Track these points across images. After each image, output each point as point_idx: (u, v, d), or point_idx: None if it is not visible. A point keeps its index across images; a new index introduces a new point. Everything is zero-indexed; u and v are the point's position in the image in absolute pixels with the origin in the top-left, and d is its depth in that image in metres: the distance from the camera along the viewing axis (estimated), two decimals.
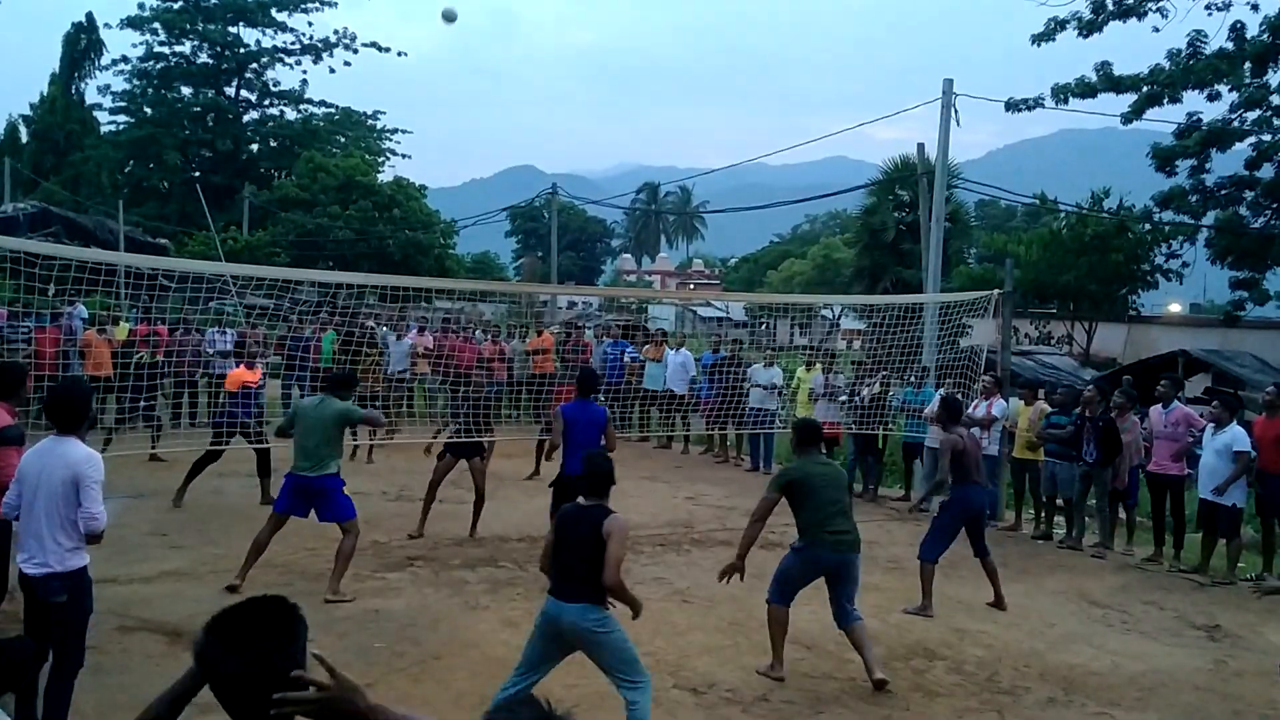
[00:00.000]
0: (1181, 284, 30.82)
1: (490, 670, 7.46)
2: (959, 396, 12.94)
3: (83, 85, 59.57)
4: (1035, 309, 31.56)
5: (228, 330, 17.69)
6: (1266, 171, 26.53)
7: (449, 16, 14.23)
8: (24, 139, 59.41)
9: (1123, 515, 13.06)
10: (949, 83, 17.99)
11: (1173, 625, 9.56)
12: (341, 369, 12.24)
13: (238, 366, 13.31)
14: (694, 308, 53.57)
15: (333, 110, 58.96)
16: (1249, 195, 27.23)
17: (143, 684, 6.94)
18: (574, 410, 9.97)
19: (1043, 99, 24.90)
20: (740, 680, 7.53)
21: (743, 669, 7.77)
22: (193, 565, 9.83)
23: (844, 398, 15.76)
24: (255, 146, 59.18)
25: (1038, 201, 29.92)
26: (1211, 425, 11.27)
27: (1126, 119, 26.03)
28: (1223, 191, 27.23)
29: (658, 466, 16.92)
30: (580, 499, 6.19)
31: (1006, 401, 13.75)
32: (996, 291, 14.89)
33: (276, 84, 58.55)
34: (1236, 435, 10.95)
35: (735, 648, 8.26)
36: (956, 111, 17.80)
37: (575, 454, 9.76)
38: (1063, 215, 31.92)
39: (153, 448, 14.41)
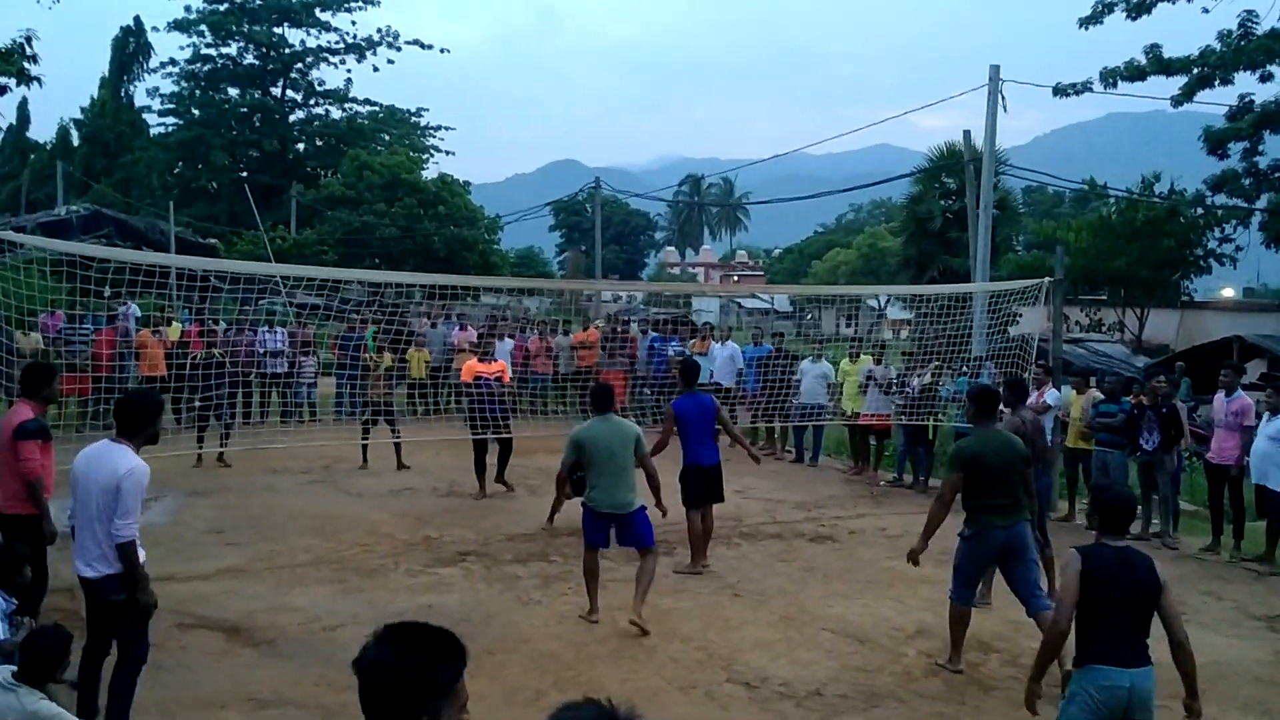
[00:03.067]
0: (1235, 268, 30.32)
1: (543, 665, 7.52)
2: (1022, 376, 12.84)
3: (131, 88, 60.54)
4: (1086, 296, 31.20)
5: (278, 329, 17.89)
6: None
7: None
8: (75, 142, 60.47)
9: (1186, 506, 12.85)
10: (995, 69, 17.76)
11: (1232, 616, 9.41)
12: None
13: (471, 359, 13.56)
14: (739, 300, 53.48)
15: (377, 109, 59.40)
16: None
17: (202, 681, 7.08)
18: (685, 404, 10.17)
19: (1091, 83, 24.54)
20: (792, 674, 7.50)
21: (795, 663, 7.74)
22: (249, 563, 9.95)
23: (895, 388, 15.63)
24: (301, 146, 59.75)
25: (1087, 187, 29.51)
26: (1267, 411, 11.07)
27: (1177, 102, 25.60)
28: (1276, 174, 26.71)
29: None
30: (1106, 539, 5.12)
31: (1059, 390, 13.59)
32: (1047, 280, 14.71)
33: (321, 83, 59.11)
34: None
35: (787, 642, 8.23)
36: (1004, 97, 17.57)
37: (696, 445, 10.10)
38: (1112, 200, 31.49)
39: (222, 445, 14.52)
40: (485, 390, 12.84)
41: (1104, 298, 31.75)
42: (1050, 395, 13.17)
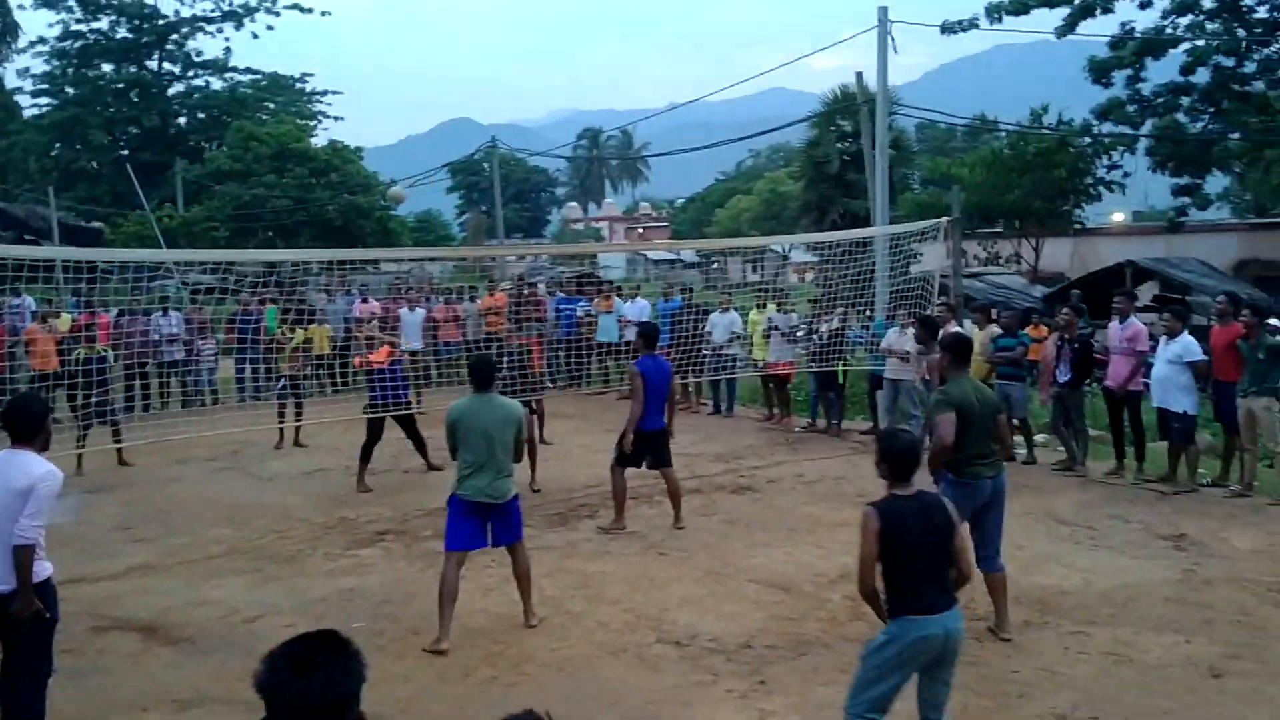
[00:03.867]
0: (1125, 194, 31.11)
1: (471, 640, 7.45)
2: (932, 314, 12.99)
3: (1, 70, 57.90)
4: (982, 230, 31.73)
5: (173, 313, 17.37)
6: (1201, 76, 26.73)
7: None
8: None
9: (1093, 431, 13.18)
10: (884, 10, 17.86)
11: (1139, 538, 9.70)
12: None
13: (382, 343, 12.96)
14: (644, 253, 53.41)
15: (259, 77, 57.67)
16: (1185, 101, 27.46)
17: (122, 683, 6.88)
18: (648, 365, 10.10)
19: (977, 19, 24.87)
20: (721, 629, 7.54)
21: (723, 617, 7.79)
22: (160, 558, 9.68)
23: (801, 334, 15.77)
24: (183, 120, 57.83)
25: (978, 122, 29.96)
26: (1164, 335, 11.38)
27: (1060, 33, 26.08)
28: (1159, 100, 27.45)
29: (620, 419, 16.83)
30: (896, 490, 5.13)
31: (962, 326, 13.82)
32: (945, 219, 14.91)
33: (199, 54, 57.24)
34: (1188, 345, 11.08)
35: (713, 596, 8.28)
36: (893, 39, 17.69)
37: (652, 409, 10.01)
38: (1003, 134, 32.01)
39: (117, 445, 13.97)
40: (397, 373, 12.44)
41: (1000, 230, 32.32)
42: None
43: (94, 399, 12.90)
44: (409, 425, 12.79)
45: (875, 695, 5.04)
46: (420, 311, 17.94)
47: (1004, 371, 12.88)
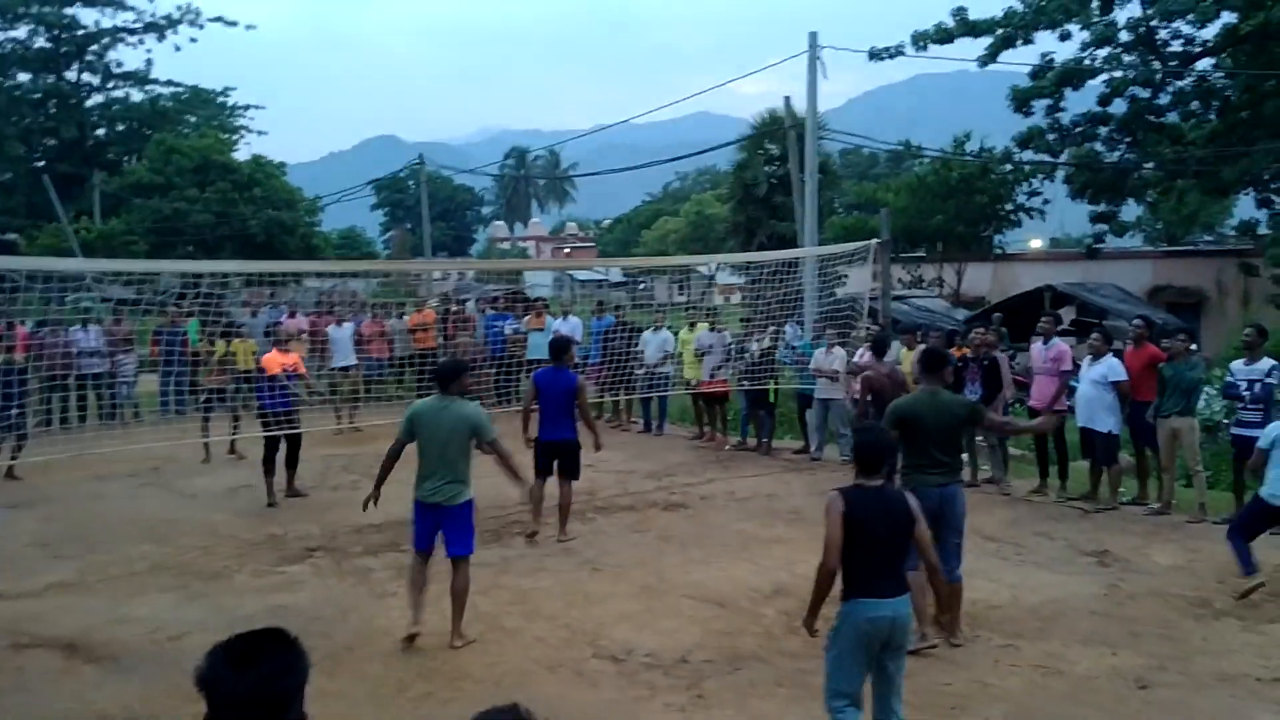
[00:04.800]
0: (1044, 220, 31.89)
1: (405, 657, 7.36)
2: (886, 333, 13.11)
3: None
4: (906, 254, 32.30)
5: (90, 327, 16.96)
6: (1119, 107, 27.52)
7: None
8: None
9: (1016, 450, 13.45)
10: (814, 35, 18.14)
11: (1064, 554, 9.90)
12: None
13: (271, 350, 12.51)
14: (571, 272, 53.41)
15: (180, 89, 56.66)
16: (1103, 131, 28.25)
17: (45, 703, 6.69)
18: (546, 377, 10.26)
19: (903, 47, 25.36)
20: (658, 644, 7.54)
21: (659, 633, 7.79)
22: (80, 575, 9.42)
23: (733, 354, 15.88)
24: (102, 131, 56.57)
25: (903, 148, 30.54)
26: (1089, 356, 11.65)
27: (983, 62, 26.71)
28: (1078, 129, 28.20)
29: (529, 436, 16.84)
30: (862, 479, 5.39)
31: (892, 347, 14.03)
32: (874, 241, 15.15)
33: (120, 65, 55.98)
34: (1112, 365, 11.35)
35: (650, 612, 8.27)
36: (822, 64, 17.96)
37: (548, 420, 10.14)
38: (927, 160, 32.65)
39: (13, 458, 13.66)
40: (289, 384, 12.25)
41: (923, 254, 32.92)
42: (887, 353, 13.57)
43: (13, 410, 12.56)
44: (292, 443, 12.48)
45: (842, 682, 5.29)
46: (349, 327, 17.75)
47: None
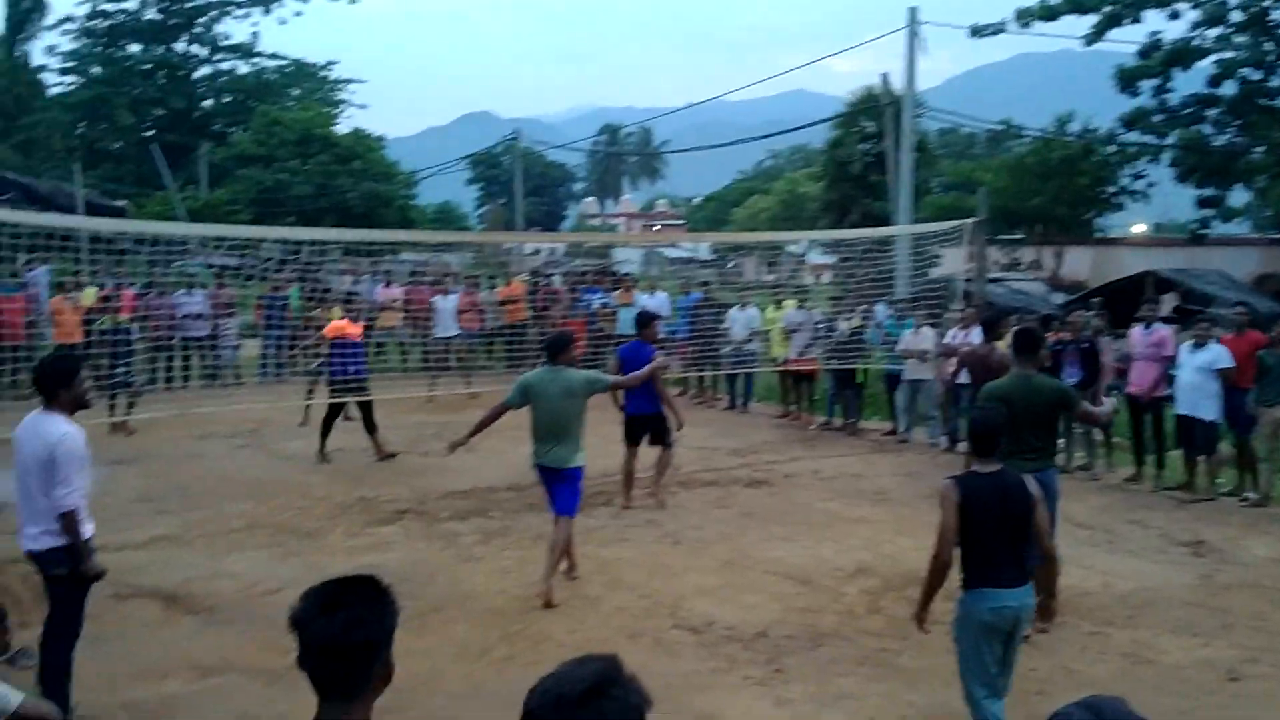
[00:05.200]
0: (1148, 203, 31.04)
1: (489, 620, 7.50)
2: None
3: (28, 47, 58.16)
4: (1003, 235, 31.69)
5: (197, 292, 17.47)
6: (1229, 89, 26.63)
7: None
8: None
9: (1098, 436, 13.15)
10: (914, 10, 17.86)
11: (1158, 543, 9.69)
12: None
13: (343, 319, 13.01)
14: (660, 249, 53.44)
15: (285, 63, 57.89)
16: (1212, 113, 27.35)
17: (143, 651, 6.95)
18: (630, 351, 10.53)
19: (1006, 24, 24.82)
20: (738, 618, 7.57)
21: (739, 607, 7.81)
22: (181, 530, 9.76)
23: (822, 332, 15.76)
24: (209, 103, 58.07)
25: (1004, 127, 29.93)
26: (1191, 343, 11.34)
27: (1089, 40, 26.03)
28: (1186, 111, 27.35)
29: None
30: (978, 465, 5.28)
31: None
32: (970, 220, 14.90)
33: (226, 38, 57.44)
34: (1219, 353, 11.00)
35: (730, 586, 8.30)
36: (922, 40, 17.69)
37: (633, 393, 10.32)
38: (1028, 140, 31.97)
39: (123, 414, 14.15)
40: (352, 351, 12.64)
41: (1021, 236, 32.28)
42: (977, 334, 13.35)
43: (118, 369, 13.02)
44: (365, 409, 12.95)
45: (977, 674, 5.18)
46: (454, 298, 17.97)
47: None
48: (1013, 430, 7.00)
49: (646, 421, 10.60)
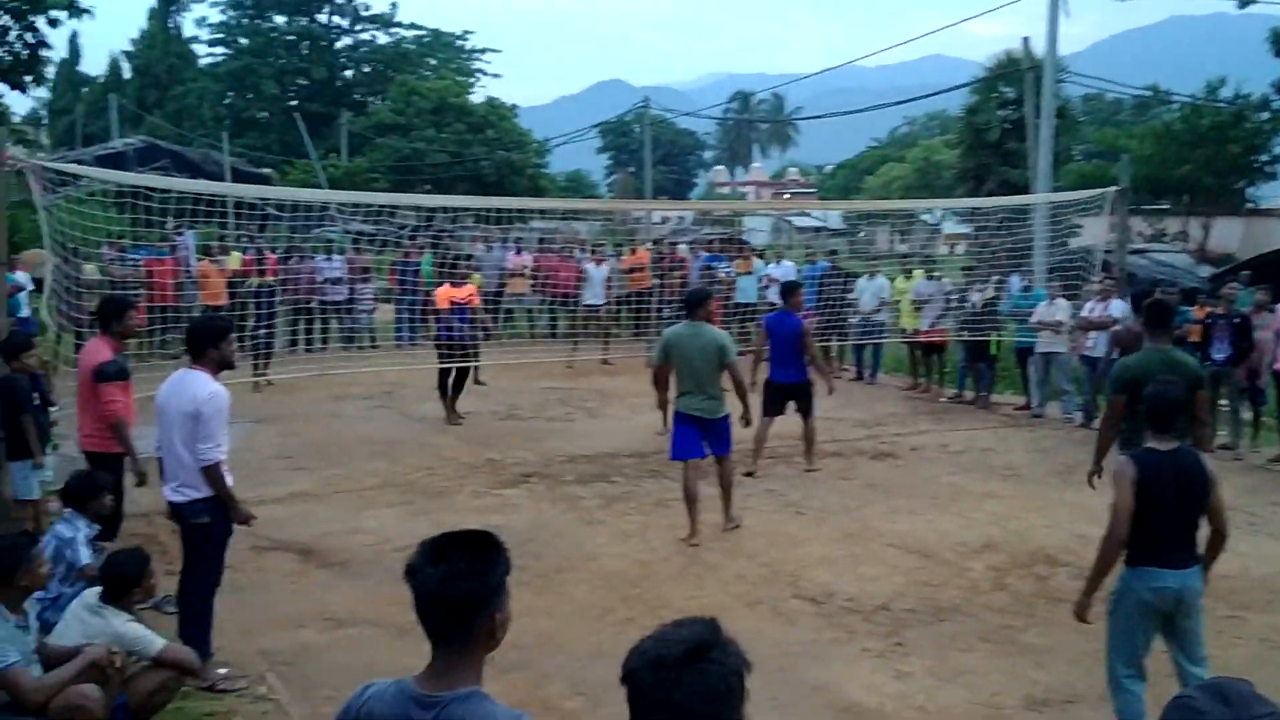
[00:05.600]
0: None
1: (609, 583, 7.62)
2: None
3: (180, 19, 60.54)
4: (1148, 205, 30.50)
5: (335, 257, 18.00)
6: None
7: None
8: (127, 75, 60.71)
9: (1247, 415, 12.62)
10: None
11: None
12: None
13: (444, 284, 13.46)
14: (789, 218, 52.92)
15: (423, 33, 58.98)
16: None
17: (280, 601, 7.25)
18: (774, 321, 10.79)
19: None
20: (858, 589, 7.53)
21: (860, 578, 7.76)
22: (318, 487, 10.13)
23: (954, 303, 15.44)
24: (349, 73, 59.58)
25: (1150, 93, 28.75)
26: None
27: (1243, 2, 24.76)
28: None
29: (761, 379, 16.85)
30: (1154, 442, 5.11)
31: (1125, 301, 13.35)
32: (1112, 189, 14.39)
33: (367, 8, 58.75)
34: None
35: (852, 558, 8.25)
36: (1065, 3, 17.07)
37: (777, 362, 10.59)
38: (1176, 107, 30.67)
39: (264, 372, 14.74)
40: (457, 316, 12.86)
41: (1166, 207, 31.03)
42: (1115, 307, 12.94)
43: (260, 329, 13.56)
44: (461, 373, 13.20)
45: (1125, 653, 5.08)
46: (605, 268, 18.10)
47: None
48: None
49: (791, 390, 10.71)
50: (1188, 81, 32.48)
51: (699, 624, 2.05)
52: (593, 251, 18.91)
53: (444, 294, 13.08)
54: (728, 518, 8.75)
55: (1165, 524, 4.95)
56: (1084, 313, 13.15)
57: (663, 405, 11.37)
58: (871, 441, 12.48)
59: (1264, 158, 28.68)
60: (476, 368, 15.23)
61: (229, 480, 5.91)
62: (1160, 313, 7.25)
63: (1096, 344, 12.88)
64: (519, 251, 19.89)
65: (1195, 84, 30.33)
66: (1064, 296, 13.82)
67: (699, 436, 8.47)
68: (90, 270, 13.15)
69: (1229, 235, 29.77)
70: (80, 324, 10.03)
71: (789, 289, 11.28)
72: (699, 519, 8.52)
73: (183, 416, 5.75)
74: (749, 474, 10.46)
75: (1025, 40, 22.26)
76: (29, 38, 15.45)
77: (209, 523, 5.88)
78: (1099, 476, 7.19)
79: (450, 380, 13.14)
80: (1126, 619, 5.06)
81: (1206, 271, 23.26)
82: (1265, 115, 27.55)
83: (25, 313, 13.48)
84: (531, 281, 19.04)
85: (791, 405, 10.82)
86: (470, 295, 13.21)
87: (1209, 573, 5.22)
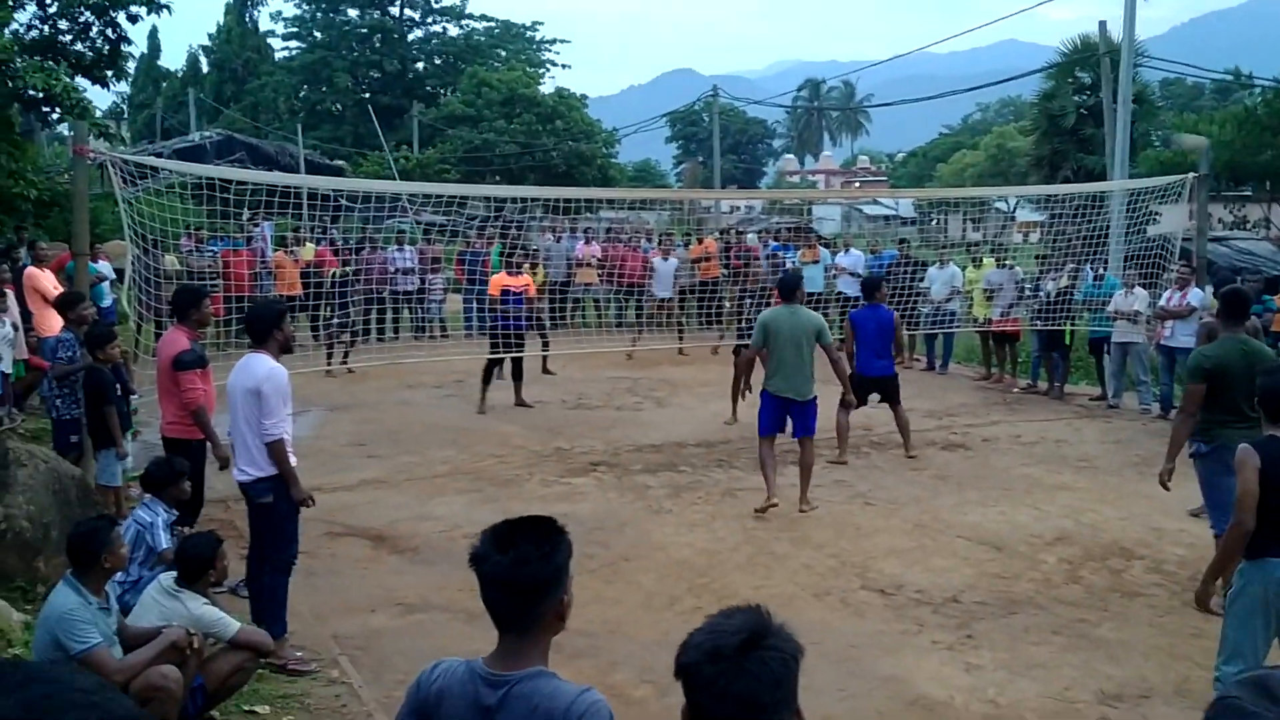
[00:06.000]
0: None
1: (677, 571, 7.63)
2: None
3: (256, 13, 61.51)
4: (1229, 192, 29.70)
5: (407, 248, 18.20)
6: None
7: None
8: (205, 69, 61.91)
9: None
10: None
11: None
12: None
13: (499, 272, 13.55)
14: (860, 206, 52.48)
15: (493, 24, 59.28)
16: None
17: (352, 586, 7.38)
18: (862, 315, 11.03)
19: None
20: (928, 581, 7.46)
21: (930, 570, 7.70)
22: (390, 474, 10.28)
23: (1027, 292, 15.20)
24: (421, 65, 60.02)
25: (1231, 77, 28.00)
26: None
27: None
28: None
29: (830, 370, 16.73)
30: (1275, 430, 4.99)
31: (1203, 290, 13.05)
32: (1191, 175, 14.06)
33: (438, 1, 59.17)
34: None
35: (921, 549, 8.18)
36: None
37: (866, 354, 10.87)
38: (1258, 91, 29.80)
39: (344, 361, 15.04)
40: (511, 306, 12.88)
41: (1249, 194, 30.20)
42: (1194, 296, 12.66)
43: (335, 318, 13.83)
44: (516, 362, 13.28)
45: (1241, 647, 4.92)
46: (674, 261, 18.04)
47: None
48: (1228, 400, 6.65)
49: (877, 383, 10.96)
50: (1271, 64, 31.63)
51: (748, 612, 2.07)
52: (659, 243, 18.89)
53: (498, 281, 13.13)
54: (804, 499, 8.96)
55: None
56: (1161, 302, 12.87)
57: (737, 393, 11.93)
58: (942, 432, 12.36)
59: None
60: (546, 357, 15.38)
61: (292, 460, 6.04)
62: (1237, 302, 7.11)
63: (1174, 333, 12.60)
64: (588, 241, 19.95)
65: (1278, 67, 29.51)
66: (1141, 285, 13.54)
67: (784, 416, 8.92)
68: (169, 261, 13.47)
69: None
70: (160, 314, 10.28)
71: (873, 285, 11.47)
72: (774, 483, 8.83)
73: (246, 396, 5.93)
74: (842, 462, 10.67)
75: (1102, 24, 21.77)
76: (110, 34, 15.76)
77: (273, 501, 6.02)
78: (1170, 478, 7.05)
79: (505, 370, 13.22)
80: (1246, 613, 4.89)
81: None
82: None
83: (107, 302, 13.88)
84: (599, 271, 19.09)
85: (874, 398, 11.07)
86: (526, 285, 13.25)
87: None
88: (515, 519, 2.53)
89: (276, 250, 17.03)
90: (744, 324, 13.17)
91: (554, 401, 13.76)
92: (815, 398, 8.99)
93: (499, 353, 13.06)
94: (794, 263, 18.39)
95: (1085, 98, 27.54)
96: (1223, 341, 6.97)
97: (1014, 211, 36.85)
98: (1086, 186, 16.95)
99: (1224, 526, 6.58)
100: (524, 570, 2.41)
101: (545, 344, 15.50)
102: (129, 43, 16.45)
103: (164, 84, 62.58)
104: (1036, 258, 16.59)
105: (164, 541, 6.19)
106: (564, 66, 62.08)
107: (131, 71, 38.32)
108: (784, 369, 8.78)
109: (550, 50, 60.81)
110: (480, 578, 2.46)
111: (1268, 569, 4.83)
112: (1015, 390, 15.09)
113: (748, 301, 14.68)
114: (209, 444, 7.23)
